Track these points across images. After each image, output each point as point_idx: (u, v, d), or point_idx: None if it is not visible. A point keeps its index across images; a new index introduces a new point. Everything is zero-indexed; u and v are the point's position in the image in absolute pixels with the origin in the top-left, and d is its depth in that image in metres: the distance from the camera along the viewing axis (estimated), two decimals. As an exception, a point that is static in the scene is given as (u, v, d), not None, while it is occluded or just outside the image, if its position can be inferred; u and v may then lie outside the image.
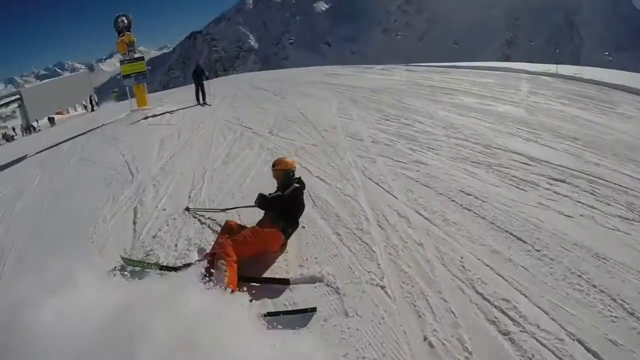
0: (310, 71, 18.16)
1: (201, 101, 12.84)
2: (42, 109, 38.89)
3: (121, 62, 13.76)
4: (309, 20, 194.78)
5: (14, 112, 39.09)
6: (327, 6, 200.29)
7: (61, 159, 9.58)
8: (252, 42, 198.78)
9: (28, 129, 35.71)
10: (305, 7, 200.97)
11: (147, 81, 13.89)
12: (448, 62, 15.64)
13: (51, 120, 33.83)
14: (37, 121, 36.02)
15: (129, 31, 13.45)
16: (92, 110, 34.42)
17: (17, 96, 39.85)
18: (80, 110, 41.19)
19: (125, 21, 13.22)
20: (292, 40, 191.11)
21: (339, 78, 13.52)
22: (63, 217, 5.55)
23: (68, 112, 38.94)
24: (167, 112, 12.41)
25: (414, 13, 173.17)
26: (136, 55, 13.52)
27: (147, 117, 11.92)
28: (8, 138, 36.10)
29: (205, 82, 12.97)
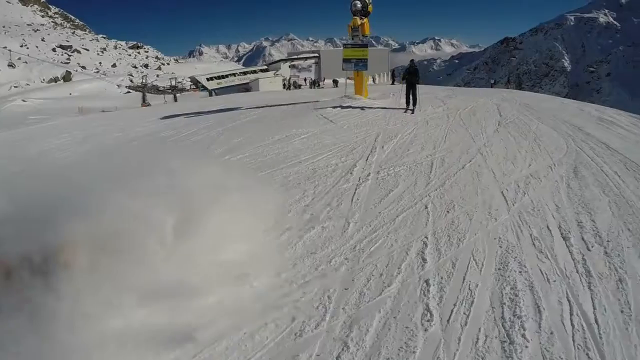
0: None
1: (410, 106, 11.09)
2: (334, 71, 46.70)
3: (344, 45, 13.40)
4: (633, 54, 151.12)
5: (310, 66, 47.82)
6: None
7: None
8: (566, 62, 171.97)
9: (314, 83, 43.11)
10: (631, 37, 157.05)
11: (366, 69, 13.07)
12: None
13: (335, 82, 38.28)
14: (324, 79, 42.57)
15: (365, 16, 12.77)
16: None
17: (316, 55, 47.96)
18: (370, 80, 46.57)
19: (359, 4, 12.52)
20: (609, 73, 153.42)
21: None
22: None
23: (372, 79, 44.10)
24: (371, 107, 11.33)
25: None
26: (361, 42, 12.81)
27: (336, 107, 11.26)
28: (296, 86, 45.13)
29: (418, 86, 11.16)
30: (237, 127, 10.26)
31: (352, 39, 13.01)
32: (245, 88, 43.63)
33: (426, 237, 3.78)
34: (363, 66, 12.92)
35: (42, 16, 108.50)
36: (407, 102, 11.16)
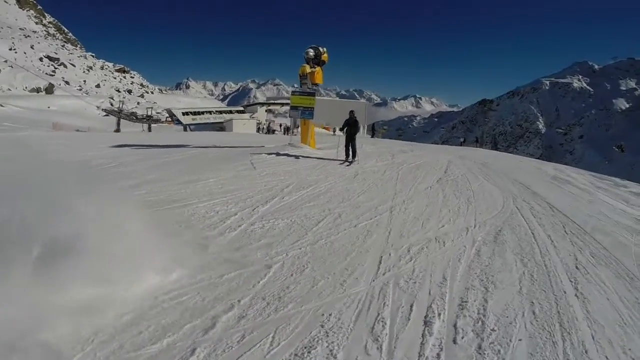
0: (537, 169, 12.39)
1: (350, 158, 10.34)
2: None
3: (293, 92, 12.93)
4: (605, 117, 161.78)
5: (286, 112, 48.08)
6: (627, 105, 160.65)
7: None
8: (540, 125, 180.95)
9: (287, 129, 43.11)
10: (603, 101, 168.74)
11: (311, 118, 12.45)
12: None
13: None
14: (297, 126, 42.69)
15: (318, 64, 12.36)
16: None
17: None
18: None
19: (311, 53, 12.17)
20: (581, 135, 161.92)
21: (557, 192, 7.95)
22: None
23: (332, 130, 44.54)
24: (308, 156, 10.63)
25: None
26: (309, 90, 12.28)
27: (271, 154, 10.37)
28: (270, 131, 45.07)
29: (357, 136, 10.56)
30: (162, 164, 9.40)
31: (301, 86, 12.48)
32: (220, 127, 43.32)
33: (239, 302, 2.95)
34: (309, 114, 12.31)
35: (36, 23, 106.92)
36: (347, 154, 10.57)
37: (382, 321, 2.75)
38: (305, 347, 2.42)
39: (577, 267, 3.98)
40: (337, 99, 58.87)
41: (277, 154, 10.58)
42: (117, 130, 36.20)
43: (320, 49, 12.34)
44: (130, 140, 16.27)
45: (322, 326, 2.65)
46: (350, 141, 10.54)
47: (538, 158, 52.42)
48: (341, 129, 11.02)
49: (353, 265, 3.69)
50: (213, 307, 2.84)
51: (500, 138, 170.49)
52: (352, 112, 10.77)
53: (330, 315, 2.80)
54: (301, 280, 3.35)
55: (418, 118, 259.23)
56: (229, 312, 2.78)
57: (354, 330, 2.63)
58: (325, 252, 4.01)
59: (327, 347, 2.42)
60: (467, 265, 3.81)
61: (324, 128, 43.78)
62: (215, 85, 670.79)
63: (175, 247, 3.69)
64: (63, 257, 2.69)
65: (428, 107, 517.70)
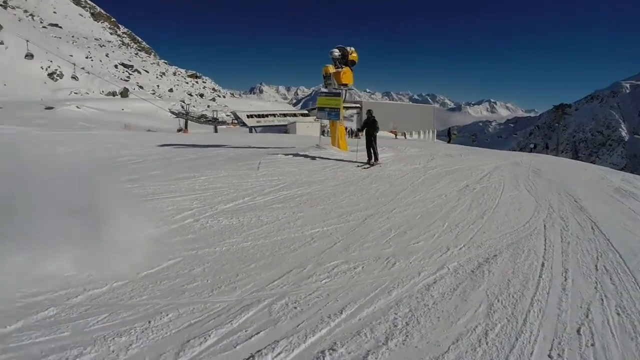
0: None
1: (372, 160, 9.51)
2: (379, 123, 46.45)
3: (320, 93, 12.22)
4: None
5: (352, 116, 47.67)
6: None
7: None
8: (623, 132, 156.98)
9: (352, 133, 42.29)
10: None
11: (337, 119, 11.65)
12: None
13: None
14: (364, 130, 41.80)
15: (346, 64, 11.49)
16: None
17: (358, 105, 47.97)
18: (415, 135, 46.03)
19: (336, 53, 11.33)
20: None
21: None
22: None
23: (400, 134, 43.30)
24: (327, 158, 9.96)
25: None
26: (335, 90, 11.46)
27: (288, 155, 9.85)
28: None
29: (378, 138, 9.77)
30: (175, 162, 9.47)
31: (326, 87, 11.82)
32: (285, 129, 44.18)
33: None
34: (335, 115, 11.59)
35: (111, 33, 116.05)
36: (369, 156, 9.66)
37: None
38: None
39: (590, 345, 2.65)
40: (408, 102, 56.77)
41: (295, 155, 10.05)
42: (180, 130, 38.52)
43: (347, 49, 11.53)
44: (183, 140, 16.84)
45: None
46: (370, 142, 9.67)
47: (622, 169, 44.40)
48: (360, 130, 10.19)
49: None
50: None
51: (581, 145, 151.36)
52: (369, 111, 9.90)
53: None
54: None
55: (493, 123, 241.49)
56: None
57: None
58: (235, 257, 3.54)
59: None
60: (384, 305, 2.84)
61: (392, 132, 42.47)
62: (288, 89, 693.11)
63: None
64: None
65: (503, 112, 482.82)
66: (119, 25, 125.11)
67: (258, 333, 2.40)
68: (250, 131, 44.10)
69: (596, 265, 3.83)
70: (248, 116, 46.75)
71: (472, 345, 2.41)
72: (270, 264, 3.49)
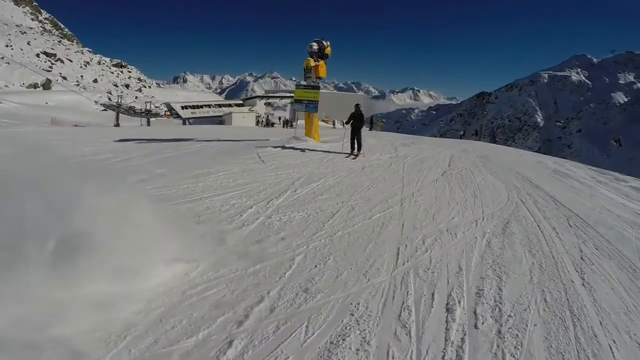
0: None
1: (355, 151, 10.52)
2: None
3: (297, 85, 13.04)
4: (603, 111, 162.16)
5: (285, 105, 48.19)
6: (626, 99, 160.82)
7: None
8: (539, 118, 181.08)
9: (286, 123, 42.97)
10: (602, 95, 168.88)
11: (315, 111, 12.58)
12: None
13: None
14: (297, 119, 42.40)
15: (321, 58, 12.45)
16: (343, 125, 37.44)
17: (292, 95, 47.21)
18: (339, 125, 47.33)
19: (315, 46, 12.25)
20: (580, 129, 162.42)
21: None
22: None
23: (331, 123, 44.28)
24: (314, 149, 10.77)
25: None
26: (313, 83, 12.38)
27: (277, 147, 10.50)
28: (270, 124, 44.99)
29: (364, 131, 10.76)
30: (169, 158, 9.47)
31: (305, 80, 12.58)
32: (220, 120, 43.23)
33: (268, 294, 3.01)
34: (313, 108, 12.44)
35: (32, 19, 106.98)
36: (352, 147, 10.73)
37: (405, 308, 2.89)
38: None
39: (582, 259, 4.14)
40: (336, 92, 58.97)
41: (283, 147, 10.72)
42: (117, 125, 36.21)
43: (324, 43, 12.44)
44: (131, 134, 16.34)
45: (352, 315, 2.75)
46: (356, 134, 10.68)
47: (536, 151, 52.48)
48: (347, 122, 11.16)
49: (372, 256, 3.81)
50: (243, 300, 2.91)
51: (498, 131, 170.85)
52: (357, 105, 10.89)
53: (357, 305, 2.89)
54: (327, 271, 3.43)
55: (416, 111, 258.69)
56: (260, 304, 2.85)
57: (381, 319, 2.74)
58: (344, 244, 4.10)
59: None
60: (480, 256, 3.95)
61: (324, 121, 43.86)
62: (213, 78, 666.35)
63: (193, 240, 3.72)
64: (77, 252, 2.64)
65: (426, 100, 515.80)
66: (41, 10, 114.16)
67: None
68: (184, 123, 42.45)
69: (569, 223, 5.38)
70: (183, 107, 44.86)
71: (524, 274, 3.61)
72: (385, 238, 4.30)
